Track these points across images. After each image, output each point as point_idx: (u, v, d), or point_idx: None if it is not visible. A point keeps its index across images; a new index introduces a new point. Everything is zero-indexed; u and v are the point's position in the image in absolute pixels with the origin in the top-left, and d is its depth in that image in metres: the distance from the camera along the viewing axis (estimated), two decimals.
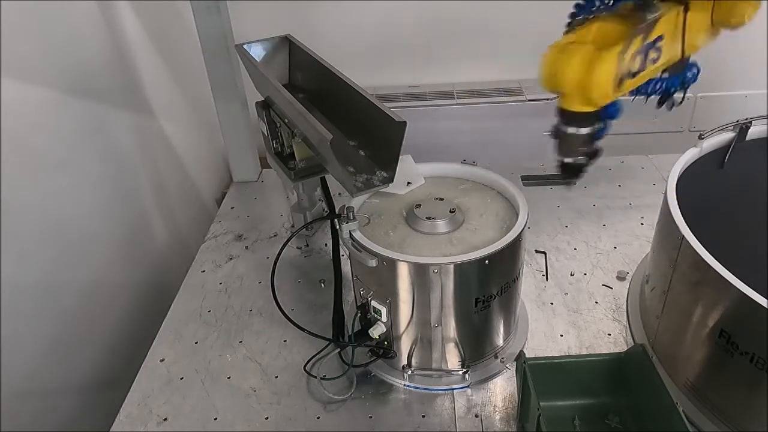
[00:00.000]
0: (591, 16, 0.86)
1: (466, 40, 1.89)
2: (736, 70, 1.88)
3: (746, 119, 1.06)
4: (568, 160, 0.91)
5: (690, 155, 1.03)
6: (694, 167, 1.03)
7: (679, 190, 0.94)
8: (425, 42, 1.89)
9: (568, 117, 0.85)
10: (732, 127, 1.06)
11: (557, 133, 0.90)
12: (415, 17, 1.84)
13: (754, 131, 1.07)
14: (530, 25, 1.84)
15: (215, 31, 1.41)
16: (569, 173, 0.93)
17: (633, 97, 0.92)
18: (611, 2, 0.86)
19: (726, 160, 1.03)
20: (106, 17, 1.31)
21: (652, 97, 0.99)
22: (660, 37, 0.83)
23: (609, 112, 0.88)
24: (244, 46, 1.22)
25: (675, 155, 1.03)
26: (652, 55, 0.83)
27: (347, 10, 1.83)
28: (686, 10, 0.82)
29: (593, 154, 0.91)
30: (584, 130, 0.86)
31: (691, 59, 0.93)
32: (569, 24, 0.88)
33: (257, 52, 1.23)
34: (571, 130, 0.87)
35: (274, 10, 1.82)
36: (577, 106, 0.83)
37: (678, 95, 0.97)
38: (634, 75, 0.83)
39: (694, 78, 0.95)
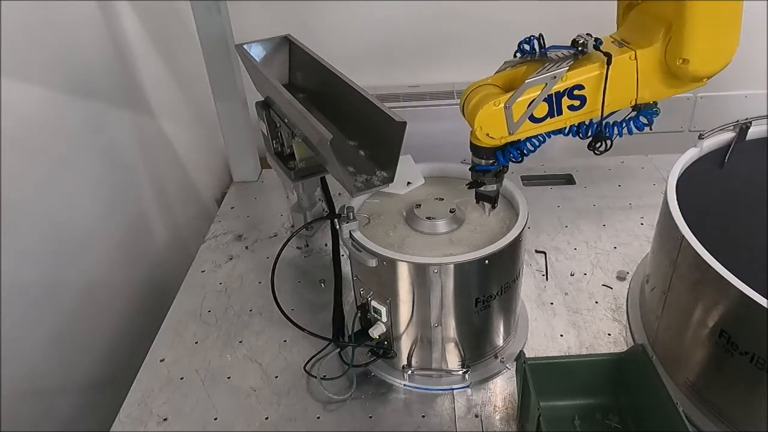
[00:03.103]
0: (520, 62, 0.87)
1: (466, 40, 1.89)
2: (736, 70, 1.87)
3: (746, 119, 1.06)
4: (480, 189, 0.94)
5: (690, 155, 1.03)
6: (694, 167, 1.03)
7: (679, 190, 0.95)
8: (425, 42, 1.89)
9: (471, 147, 0.90)
10: (732, 127, 1.06)
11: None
12: (415, 17, 1.84)
13: (754, 131, 1.07)
14: (530, 24, 1.85)
15: (215, 31, 1.41)
16: (479, 198, 0.95)
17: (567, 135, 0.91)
18: (540, 51, 0.86)
19: (726, 160, 1.03)
20: (105, 17, 1.31)
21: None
22: (578, 87, 0.83)
23: (501, 155, 0.90)
24: (244, 46, 1.22)
25: (675, 155, 1.03)
26: (570, 102, 0.84)
27: (347, 10, 1.83)
28: (608, 63, 0.81)
29: (478, 184, 0.93)
30: (483, 162, 0.91)
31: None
32: (506, 62, 0.90)
33: (257, 52, 1.23)
34: (472, 158, 0.92)
35: (274, 10, 1.82)
36: (473, 138, 0.88)
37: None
38: (539, 120, 0.85)
39: (631, 128, 0.90)
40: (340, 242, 0.93)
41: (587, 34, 0.84)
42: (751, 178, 1.00)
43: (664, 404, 0.80)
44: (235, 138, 1.59)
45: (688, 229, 0.86)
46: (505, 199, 1.00)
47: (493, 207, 0.95)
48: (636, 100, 0.87)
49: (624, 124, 0.90)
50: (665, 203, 0.94)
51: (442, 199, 0.99)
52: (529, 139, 0.89)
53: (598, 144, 0.90)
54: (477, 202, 0.96)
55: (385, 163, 0.98)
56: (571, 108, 0.85)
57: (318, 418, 0.96)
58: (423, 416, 0.96)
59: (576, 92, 0.84)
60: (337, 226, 0.94)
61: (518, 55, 0.89)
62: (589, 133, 0.89)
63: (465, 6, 1.81)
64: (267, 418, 0.97)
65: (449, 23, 1.86)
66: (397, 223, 0.97)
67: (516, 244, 0.90)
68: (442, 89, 1.89)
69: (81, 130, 1.19)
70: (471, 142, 0.89)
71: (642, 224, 1.36)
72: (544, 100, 0.83)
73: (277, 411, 0.98)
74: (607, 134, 0.89)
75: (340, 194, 1.33)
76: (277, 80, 1.10)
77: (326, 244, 1.37)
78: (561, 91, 0.83)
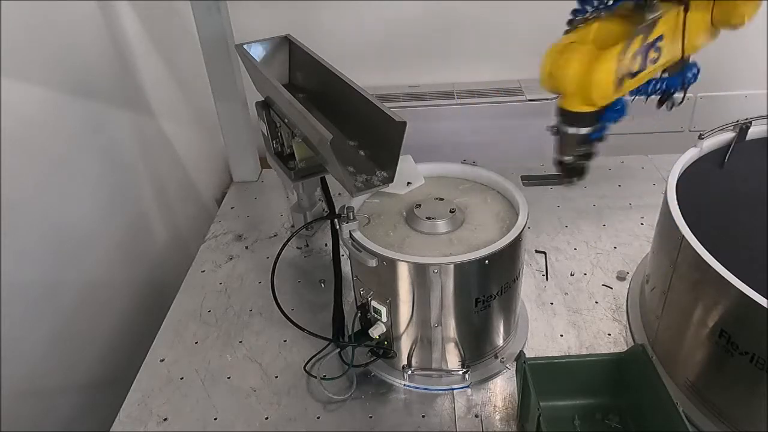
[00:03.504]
0: (591, 17, 0.86)
1: (466, 40, 1.89)
2: (736, 70, 1.88)
3: (746, 119, 1.06)
4: (567, 159, 0.92)
5: (690, 155, 1.03)
6: (694, 167, 1.03)
7: (679, 190, 0.94)
8: (425, 42, 1.89)
9: (568, 117, 0.86)
10: (732, 127, 1.06)
11: (557, 132, 0.91)
12: (415, 17, 1.84)
13: (754, 131, 1.07)
14: (530, 24, 1.85)
15: (215, 31, 1.41)
16: (569, 173, 0.94)
17: (633, 97, 0.91)
18: (611, 2, 0.85)
19: (726, 160, 1.03)
20: (105, 17, 1.31)
21: (653, 97, 0.98)
22: (660, 37, 0.83)
23: (610, 114, 0.88)
24: (244, 46, 1.22)
25: (675, 155, 1.03)
26: (653, 54, 0.83)
27: (347, 10, 1.83)
28: (686, 10, 0.82)
29: (589, 156, 0.91)
30: (583, 131, 0.87)
31: (692, 59, 0.93)
32: (570, 23, 0.88)
33: (257, 52, 1.23)
34: (571, 130, 0.88)
35: (274, 10, 1.82)
36: (577, 106, 0.84)
37: (678, 95, 0.96)
38: (634, 75, 0.83)
39: (695, 78, 0.94)
40: (340, 242, 0.93)
41: None
42: (751, 178, 1.00)
43: (664, 404, 0.80)
44: (235, 138, 1.59)
45: (688, 229, 0.86)
46: (505, 199, 1.00)
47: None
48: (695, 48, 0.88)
49: (682, 75, 0.90)
50: (665, 203, 0.94)
51: (442, 199, 0.99)
52: (616, 106, 0.86)
53: (667, 101, 0.91)
54: (563, 183, 0.95)
55: (385, 163, 0.98)
56: (652, 61, 0.84)
57: (318, 418, 0.96)
58: (423, 416, 0.96)
59: (658, 43, 0.83)
60: (337, 226, 0.94)
61: (577, 16, 0.86)
62: (661, 88, 0.90)
63: (465, 6, 1.81)
64: (267, 418, 0.97)
65: (449, 23, 1.86)
66: (397, 223, 0.97)
67: (516, 244, 0.90)
68: (442, 89, 1.90)
69: (81, 130, 1.19)
70: (571, 114, 0.84)
71: (642, 224, 1.36)
72: (637, 53, 0.81)
73: (277, 411, 0.98)
74: (672, 89, 0.89)
75: (340, 194, 1.33)
76: (277, 80, 1.10)
77: (326, 244, 1.37)
78: (651, 41, 0.82)
